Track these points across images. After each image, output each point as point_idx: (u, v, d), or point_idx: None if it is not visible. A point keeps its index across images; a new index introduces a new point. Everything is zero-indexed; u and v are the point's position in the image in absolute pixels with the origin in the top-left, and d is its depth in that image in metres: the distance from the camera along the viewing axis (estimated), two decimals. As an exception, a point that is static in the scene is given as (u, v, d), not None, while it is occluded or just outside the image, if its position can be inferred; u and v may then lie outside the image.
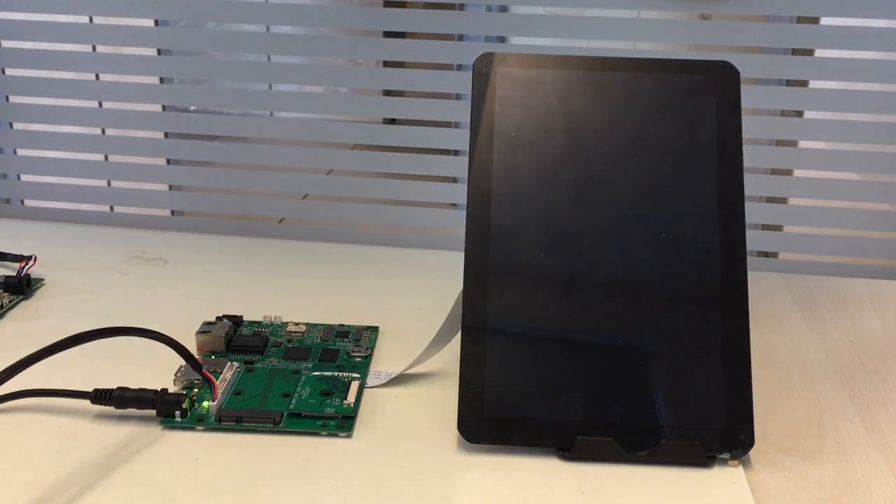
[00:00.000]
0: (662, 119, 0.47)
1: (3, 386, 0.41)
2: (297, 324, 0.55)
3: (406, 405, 0.47)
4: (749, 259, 0.61)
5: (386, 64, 0.76)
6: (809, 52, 0.78)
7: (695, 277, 0.45)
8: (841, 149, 0.71)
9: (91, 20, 0.76)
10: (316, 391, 0.47)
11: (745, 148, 0.47)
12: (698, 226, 0.46)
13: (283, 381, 0.48)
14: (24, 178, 0.85)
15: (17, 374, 0.41)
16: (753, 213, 0.74)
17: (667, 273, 0.45)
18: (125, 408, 0.45)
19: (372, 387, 0.49)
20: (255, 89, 0.78)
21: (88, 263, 0.64)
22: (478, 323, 0.45)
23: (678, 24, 0.69)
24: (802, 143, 0.79)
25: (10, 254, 0.63)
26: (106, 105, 0.77)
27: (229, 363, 0.49)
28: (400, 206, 0.76)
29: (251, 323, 0.55)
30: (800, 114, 0.74)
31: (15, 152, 0.80)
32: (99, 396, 0.45)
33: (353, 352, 0.52)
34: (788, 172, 0.74)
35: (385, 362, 0.52)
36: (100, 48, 0.76)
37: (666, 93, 0.47)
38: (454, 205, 0.77)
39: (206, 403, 0.46)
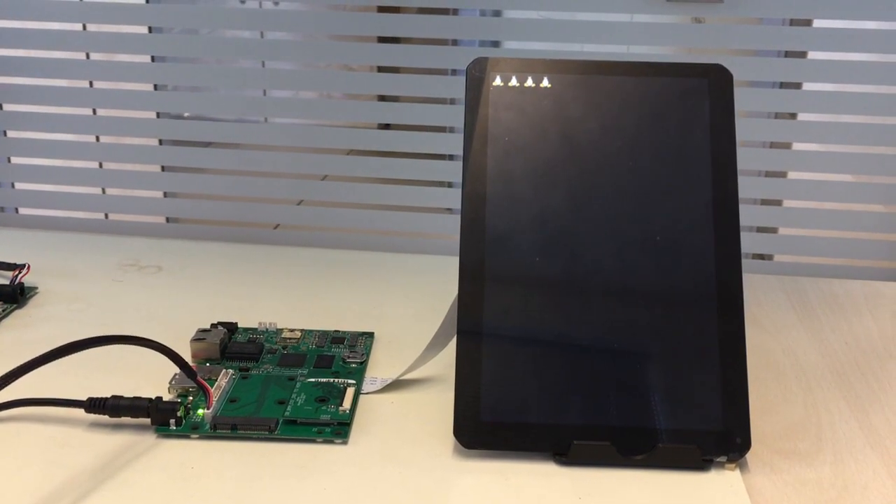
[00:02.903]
0: (656, 122, 0.47)
1: (-4, 395, 0.41)
2: (292, 330, 0.54)
3: (402, 411, 0.47)
4: (744, 261, 0.61)
5: (380, 69, 0.75)
6: (802, 55, 0.78)
7: (690, 280, 0.45)
8: (835, 150, 0.71)
9: (84, 27, 0.76)
10: (311, 398, 0.47)
11: (739, 150, 0.47)
12: (693, 229, 0.46)
13: (279, 387, 0.48)
14: (17, 185, 0.84)
15: (10, 383, 0.41)
16: (748, 215, 0.74)
17: (662, 276, 0.45)
18: (119, 416, 0.45)
19: (368, 393, 0.49)
20: (249, 95, 0.79)
21: (82, 271, 0.64)
22: (473, 328, 0.45)
23: (671, 28, 0.69)
24: (796, 146, 0.79)
25: (3, 262, 0.63)
26: (100, 112, 0.77)
27: (224, 370, 0.49)
28: (395, 212, 0.76)
29: (246, 330, 0.55)
30: (793, 116, 0.74)
31: (9, 160, 0.80)
32: (93, 405, 0.45)
33: (349, 358, 0.52)
34: (783, 174, 0.74)
35: (380, 368, 0.52)
36: (93, 55, 0.76)
37: (660, 96, 0.47)
38: (448, 209, 0.77)
39: (200, 411, 0.46)
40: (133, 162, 0.78)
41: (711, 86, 0.47)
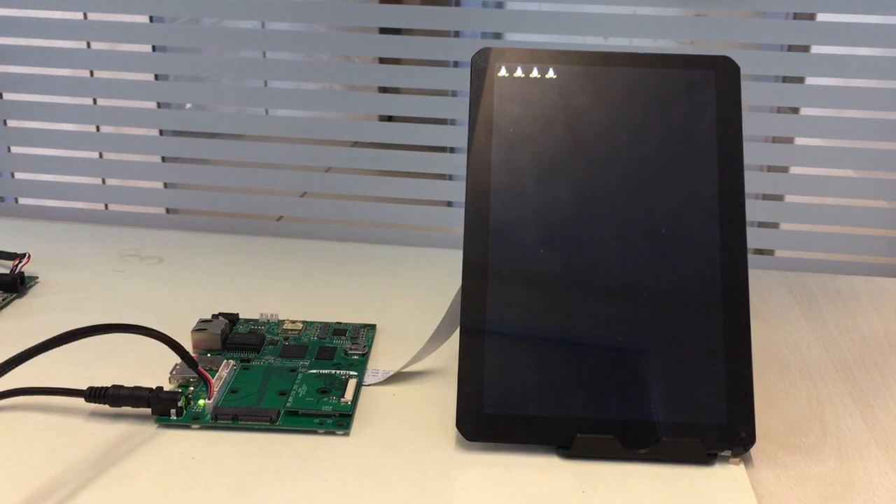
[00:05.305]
0: (662, 114, 0.47)
1: (-4, 384, 0.41)
2: (293, 321, 0.54)
3: (404, 403, 0.47)
4: (746, 256, 0.61)
5: (382, 60, 0.75)
6: (806, 49, 0.78)
7: (695, 274, 0.45)
8: (837, 145, 0.71)
9: (85, 16, 0.75)
10: (313, 389, 0.47)
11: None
12: (699, 222, 0.45)
13: (280, 378, 0.48)
14: (17, 175, 0.84)
15: (9, 371, 0.41)
16: (750, 210, 0.73)
17: (667, 270, 0.45)
18: (120, 406, 0.44)
19: (369, 385, 0.49)
20: (250, 86, 0.78)
21: (83, 261, 0.64)
22: (476, 320, 0.44)
23: (674, 21, 0.69)
24: (799, 140, 0.78)
25: (3, 252, 0.63)
26: (100, 102, 0.77)
27: (225, 361, 0.49)
28: (397, 204, 0.76)
29: (247, 321, 0.54)
30: (796, 110, 0.74)
31: (9, 150, 0.80)
32: (93, 394, 0.44)
33: (351, 349, 0.51)
34: (785, 169, 0.74)
35: (383, 360, 0.51)
36: (94, 45, 0.76)
37: (666, 88, 0.47)
38: (449, 203, 0.77)
39: (201, 401, 0.45)
40: (134, 152, 0.77)
41: (718, 77, 0.47)
